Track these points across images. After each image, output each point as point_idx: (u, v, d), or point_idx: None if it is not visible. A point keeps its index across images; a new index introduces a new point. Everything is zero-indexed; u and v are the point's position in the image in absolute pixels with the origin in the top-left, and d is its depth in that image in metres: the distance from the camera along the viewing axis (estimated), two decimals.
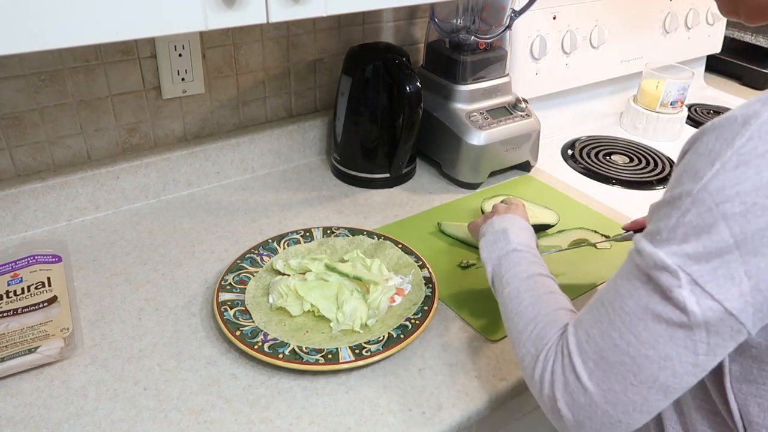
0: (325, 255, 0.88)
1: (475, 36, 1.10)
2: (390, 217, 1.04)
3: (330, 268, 0.83)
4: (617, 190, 1.16)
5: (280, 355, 0.71)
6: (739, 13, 0.56)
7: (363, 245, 0.91)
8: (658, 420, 0.61)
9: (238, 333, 0.74)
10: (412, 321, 0.77)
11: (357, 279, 0.82)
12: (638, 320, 0.47)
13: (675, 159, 1.27)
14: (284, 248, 0.90)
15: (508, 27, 1.11)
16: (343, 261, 0.87)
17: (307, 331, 0.77)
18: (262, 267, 0.87)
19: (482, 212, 1.01)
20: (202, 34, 1.01)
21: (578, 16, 1.28)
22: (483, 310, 0.83)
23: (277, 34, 1.09)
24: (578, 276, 0.90)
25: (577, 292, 0.87)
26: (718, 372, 0.52)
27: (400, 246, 0.91)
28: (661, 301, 0.46)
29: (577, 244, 0.94)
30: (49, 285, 0.81)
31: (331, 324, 0.77)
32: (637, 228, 0.88)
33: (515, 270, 0.66)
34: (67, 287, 0.82)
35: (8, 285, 0.81)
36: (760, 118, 0.43)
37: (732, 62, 1.72)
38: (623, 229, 0.89)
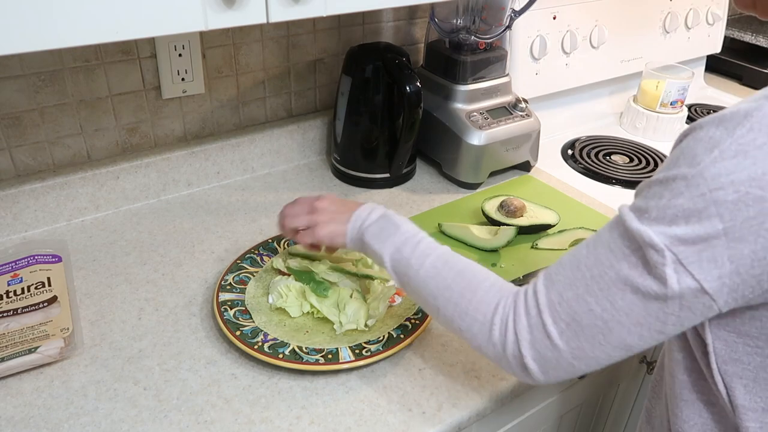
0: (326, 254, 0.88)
1: (475, 36, 1.10)
2: None
3: (336, 269, 0.83)
4: (617, 190, 1.16)
5: (280, 355, 0.71)
6: (756, 6, 0.56)
7: None
8: (665, 414, 0.62)
9: (238, 333, 0.74)
10: (412, 321, 0.77)
11: (366, 277, 0.82)
12: (617, 290, 0.49)
13: None
14: (284, 248, 0.90)
15: (508, 27, 1.11)
16: (344, 260, 0.87)
17: (307, 331, 0.77)
18: (262, 267, 0.87)
19: (483, 212, 1.01)
20: (202, 34, 1.01)
21: (578, 16, 1.28)
22: None
23: (277, 34, 1.09)
24: None
25: None
26: (706, 355, 0.53)
27: None
28: (643, 274, 0.47)
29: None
30: (49, 285, 0.81)
31: (335, 326, 0.77)
32: None
33: (420, 249, 0.64)
34: (67, 287, 0.82)
35: (8, 285, 0.81)
36: (762, 110, 0.44)
37: (732, 62, 1.72)
38: None
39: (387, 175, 1.11)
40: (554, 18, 1.25)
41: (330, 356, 0.72)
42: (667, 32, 1.47)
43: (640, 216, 0.48)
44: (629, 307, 0.49)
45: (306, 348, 0.73)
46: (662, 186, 0.47)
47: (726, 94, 1.63)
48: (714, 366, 0.53)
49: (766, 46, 1.67)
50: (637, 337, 0.50)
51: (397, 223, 0.68)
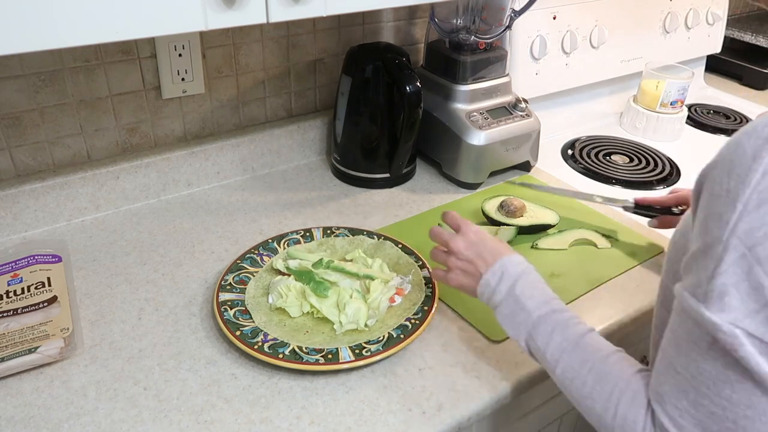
0: (326, 254, 0.88)
1: (475, 36, 1.10)
2: (390, 217, 1.03)
3: (336, 269, 0.83)
4: (617, 190, 1.16)
5: (280, 355, 0.71)
6: None
7: (363, 245, 0.91)
8: None
9: (238, 333, 0.74)
10: (412, 321, 0.77)
11: (367, 277, 0.82)
12: (722, 383, 0.45)
13: (675, 159, 1.28)
14: (284, 248, 0.90)
15: (508, 27, 1.11)
16: (345, 260, 0.87)
17: (307, 331, 0.77)
18: (262, 267, 0.87)
19: (483, 213, 1.01)
20: (202, 34, 1.01)
21: (578, 16, 1.28)
22: (483, 310, 0.82)
23: (277, 34, 1.09)
24: (578, 276, 0.90)
25: (577, 292, 0.87)
26: None
27: (400, 246, 0.91)
28: (734, 359, 0.44)
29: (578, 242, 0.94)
30: (49, 285, 0.81)
31: (335, 326, 0.77)
32: (646, 204, 0.94)
33: (554, 342, 0.61)
34: (67, 287, 0.82)
35: (8, 285, 0.81)
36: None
37: (732, 62, 1.72)
38: (635, 201, 0.95)
39: (387, 175, 1.11)
40: (554, 18, 1.25)
41: (330, 356, 0.72)
42: (667, 32, 1.47)
43: (695, 293, 0.45)
44: (747, 398, 0.44)
45: (306, 348, 0.73)
46: (704, 256, 0.44)
47: (726, 94, 1.63)
48: None
49: (766, 46, 1.67)
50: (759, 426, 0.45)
51: (523, 304, 0.65)
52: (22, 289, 0.80)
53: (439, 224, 0.82)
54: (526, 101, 1.16)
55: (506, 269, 0.68)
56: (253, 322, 0.77)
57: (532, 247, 0.96)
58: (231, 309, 0.78)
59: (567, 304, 0.84)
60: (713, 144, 1.34)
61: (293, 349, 0.73)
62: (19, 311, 0.76)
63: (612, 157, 1.27)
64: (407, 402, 0.70)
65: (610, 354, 0.59)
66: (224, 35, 1.04)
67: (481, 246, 0.71)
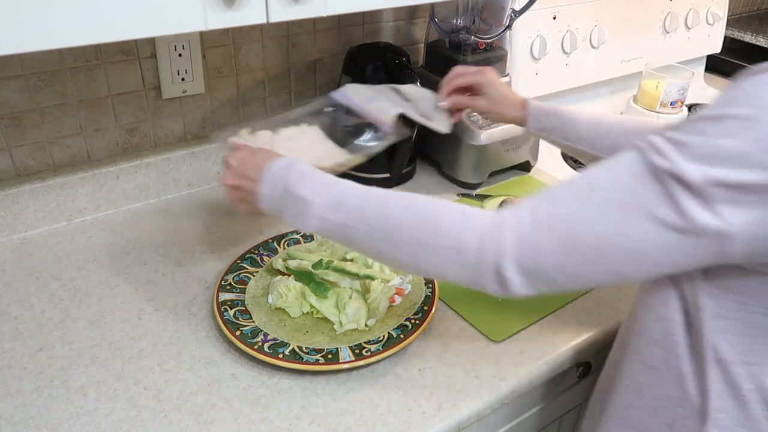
0: (326, 254, 0.88)
1: (475, 36, 1.10)
2: None
3: (337, 269, 0.83)
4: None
5: (280, 355, 0.71)
6: None
7: None
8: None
9: (238, 333, 0.74)
10: (412, 321, 0.77)
11: (367, 277, 0.82)
12: (633, 216, 0.47)
13: None
14: (284, 248, 0.90)
15: (508, 27, 1.11)
16: (345, 260, 0.87)
17: (307, 331, 0.77)
18: (262, 267, 0.87)
19: None
20: (202, 34, 1.01)
21: (578, 16, 1.28)
22: (483, 309, 0.83)
23: (277, 34, 1.09)
24: None
25: (573, 294, 0.87)
26: (696, 315, 0.54)
27: None
28: (668, 205, 0.45)
29: None
30: None
31: (335, 326, 0.77)
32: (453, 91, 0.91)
33: (358, 194, 0.60)
34: None
35: None
36: None
37: (732, 62, 1.72)
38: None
39: (387, 174, 1.11)
40: (554, 18, 1.25)
41: (330, 356, 0.72)
42: (667, 32, 1.47)
43: (679, 148, 0.45)
44: (642, 236, 0.46)
45: (306, 348, 0.73)
46: (711, 123, 0.44)
47: None
48: (705, 325, 0.53)
49: (766, 45, 1.67)
50: (635, 266, 0.48)
51: (304, 198, 0.61)
52: None
53: None
54: None
55: (274, 174, 0.63)
56: (253, 322, 0.77)
57: None
58: (231, 309, 0.78)
59: (568, 303, 0.84)
60: None
61: (293, 349, 0.73)
62: None
63: None
64: (407, 402, 0.70)
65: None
66: (224, 35, 1.04)
67: (245, 167, 0.66)
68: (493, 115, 0.92)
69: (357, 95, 0.87)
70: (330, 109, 0.86)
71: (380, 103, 0.86)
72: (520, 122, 0.89)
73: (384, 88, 0.92)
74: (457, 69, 0.92)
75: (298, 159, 0.66)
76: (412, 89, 0.93)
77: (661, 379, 0.60)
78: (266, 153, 0.67)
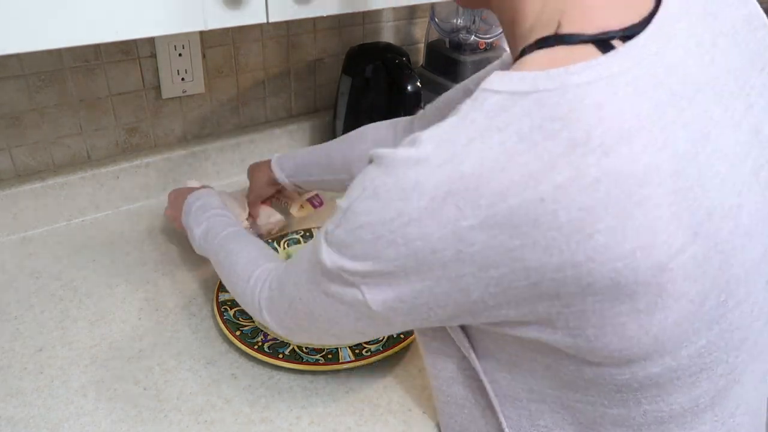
0: None
1: (475, 36, 1.10)
2: None
3: None
4: None
5: (280, 355, 0.71)
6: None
7: None
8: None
9: (238, 333, 0.74)
10: None
11: None
12: (317, 291, 0.50)
13: None
14: (284, 248, 0.90)
15: None
16: None
17: None
18: None
19: None
20: (202, 33, 1.01)
21: None
22: None
23: (277, 34, 1.09)
24: None
25: None
26: (468, 355, 0.54)
27: None
28: (325, 281, 0.48)
29: None
30: None
31: None
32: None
33: (211, 244, 0.73)
34: None
35: None
36: (396, 156, 0.42)
37: None
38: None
39: None
40: None
41: (330, 356, 0.72)
42: None
43: (326, 235, 0.47)
44: (323, 307, 0.50)
45: (306, 348, 0.73)
46: (340, 212, 0.46)
47: None
48: (477, 367, 0.53)
49: None
50: (338, 330, 0.52)
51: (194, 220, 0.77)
52: None
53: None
54: None
55: (187, 208, 0.79)
56: (253, 322, 0.77)
57: None
58: (231, 309, 0.78)
59: None
60: None
61: (293, 349, 0.73)
62: None
63: None
64: (407, 402, 0.70)
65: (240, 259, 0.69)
66: (224, 35, 1.04)
67: (176, 200, 0.84)
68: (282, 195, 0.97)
69: None
70: None
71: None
72: (272, 181, 0.92)
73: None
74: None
75: (209, 192, 0.82)
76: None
77: (472, 415, 0.58)
78: (189, 190, 0.84)
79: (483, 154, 0.38)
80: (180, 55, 1.00)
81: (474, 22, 1.10)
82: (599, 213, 0.37)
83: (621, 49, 0.40)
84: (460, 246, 0.40)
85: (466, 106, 0.41)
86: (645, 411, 0.47)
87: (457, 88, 0.78)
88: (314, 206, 0.97)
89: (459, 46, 1.11)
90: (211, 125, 1.10)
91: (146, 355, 0.75)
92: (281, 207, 0.98)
